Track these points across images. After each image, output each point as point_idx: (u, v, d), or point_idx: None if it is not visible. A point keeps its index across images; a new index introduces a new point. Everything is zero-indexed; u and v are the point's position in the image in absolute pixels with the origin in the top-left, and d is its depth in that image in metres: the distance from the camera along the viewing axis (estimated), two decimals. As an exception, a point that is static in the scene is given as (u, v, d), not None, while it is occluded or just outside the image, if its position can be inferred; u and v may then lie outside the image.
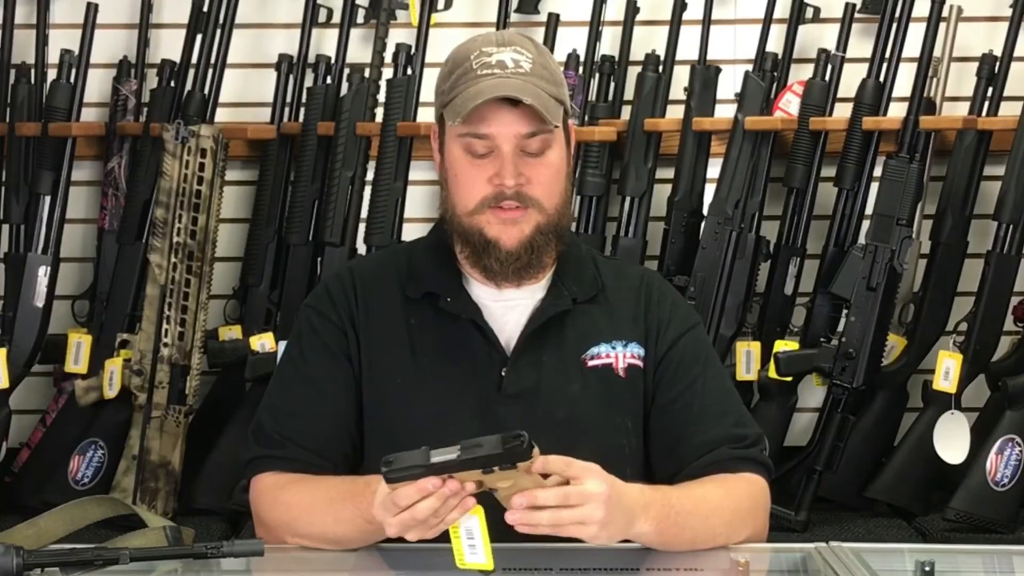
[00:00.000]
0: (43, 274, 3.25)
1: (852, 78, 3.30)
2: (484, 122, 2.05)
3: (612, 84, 3.38)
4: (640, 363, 2.16)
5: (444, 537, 1.98)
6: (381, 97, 3.30)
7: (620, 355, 2.16)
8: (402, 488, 1.81)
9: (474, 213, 2.08)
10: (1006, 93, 3.27)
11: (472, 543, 1.83)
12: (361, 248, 3.30)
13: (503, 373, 2.12)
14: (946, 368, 3.20)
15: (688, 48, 3.33)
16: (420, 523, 1.83)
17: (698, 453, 2.11)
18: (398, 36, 3.33)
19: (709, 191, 3.33)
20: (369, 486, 1.97)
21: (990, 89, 3.27)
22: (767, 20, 3.33)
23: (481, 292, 2.15)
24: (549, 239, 2.11)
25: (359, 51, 3.40)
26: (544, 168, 2.08)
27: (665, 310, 2.19)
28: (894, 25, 3.26)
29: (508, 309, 2.15)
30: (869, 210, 3.27)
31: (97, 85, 3.41)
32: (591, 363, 2.15)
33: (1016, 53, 3.26)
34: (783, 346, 3.27)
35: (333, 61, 3.36)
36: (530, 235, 2.08)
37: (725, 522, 2.05)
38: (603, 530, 1.86)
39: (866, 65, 3.29)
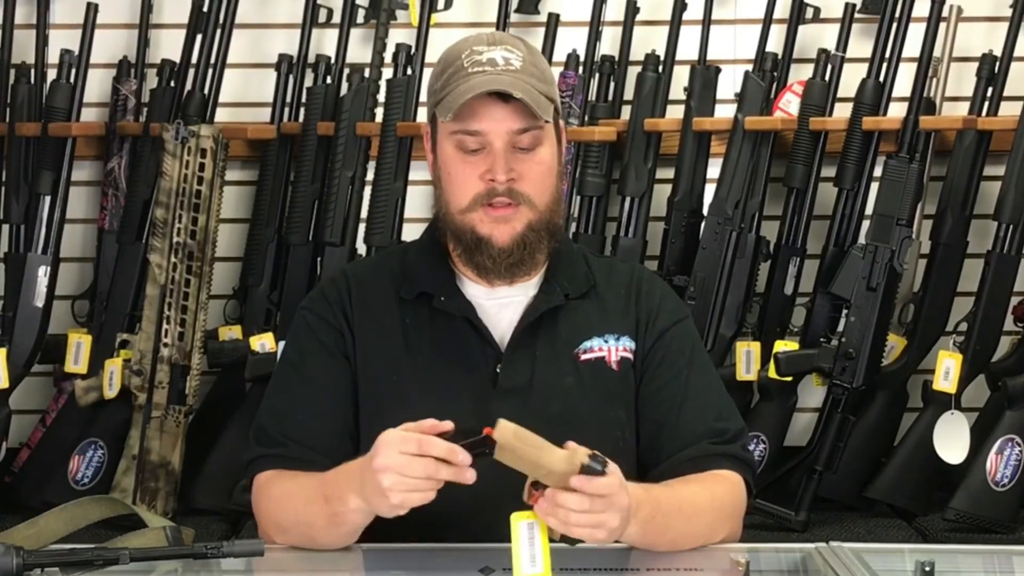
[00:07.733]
0: (43, 274, 3.25)
1: (852, 78, 3.29)
2: (475, 118, 2.06)
3: (612, 84, 3.38)
4: (631, 356, 2.18)
5: (443, 537, 1.98)
6: (381, 97, 3.30)
7: (613, 348, 2.17)
8: (435, 438, 1.83)
9: (467, 211, 2.09)
10: (1006, 93, 3.27)
11: (533, 553, 1.83)
12: (361, 248, 3.30)
13: (498, 369, 2.13)
14: (946, 368, 3.20)
15: (688, 48, 3.33)
16: (409, 477, 1.83)
17: (679, 446, 2.13)
18: (398, 36, 3.34)
19: (709, 191, 3.33)
20: (336, 471, 1.99)
21: (990, 89, 3.26)
22: (767, 20, 3.33)
23: (474, 291, 2.16)
24: (541, 236, 2.12)
25: (359, 51, 3.40)
26: (535, 165, 2.09)
27: (654, 302, 2.21)
28: (894, 25, 3.26)
29: (502, 307, 2.16)
30: (869, 210, 3.27)
31: (97, 85, 3.41)
32: (584, 356, 2.16)
33: (1016, 53, 3.26)
34: (783, 346, 3.27)
35: (333, 61, 3.36)
36: (522, 232, 2.09)
37: (706, 524, 2.06)
38: (611, 535, 1.88)
39: (866, 65, 3.29)
